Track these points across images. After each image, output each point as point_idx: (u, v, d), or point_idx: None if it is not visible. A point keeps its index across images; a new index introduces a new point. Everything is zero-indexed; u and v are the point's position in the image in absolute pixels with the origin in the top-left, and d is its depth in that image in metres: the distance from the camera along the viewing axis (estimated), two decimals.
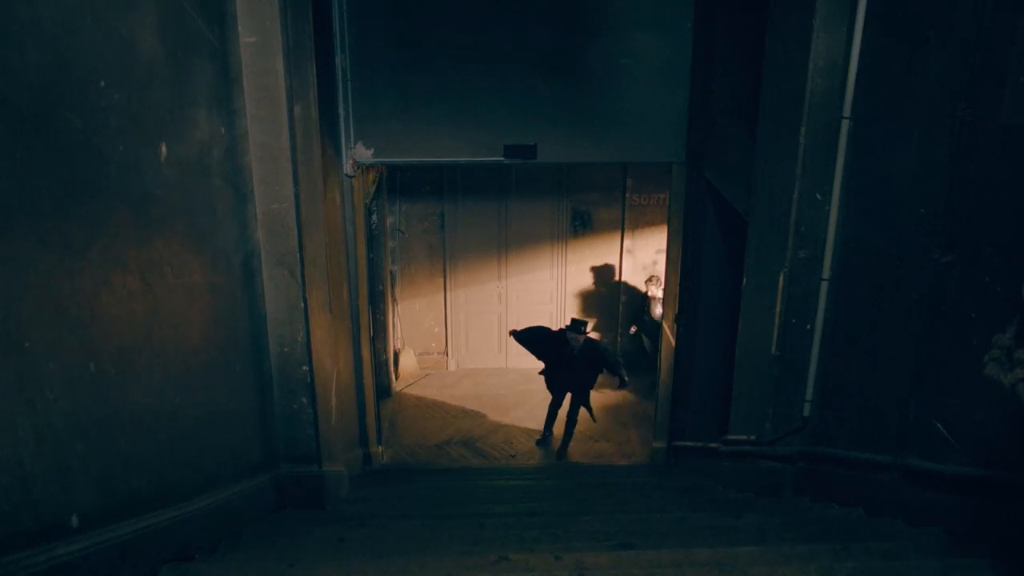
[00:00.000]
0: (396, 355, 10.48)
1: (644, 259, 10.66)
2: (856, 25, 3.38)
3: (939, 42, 2.94)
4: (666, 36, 6.23)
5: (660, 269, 10.07)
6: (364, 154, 6.26)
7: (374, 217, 9.25)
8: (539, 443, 8.57)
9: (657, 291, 9.57)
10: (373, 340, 7.60)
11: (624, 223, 10.57)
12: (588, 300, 10.91)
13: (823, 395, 3.87)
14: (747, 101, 4.77)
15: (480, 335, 10.98)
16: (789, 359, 3.91)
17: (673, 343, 7.08)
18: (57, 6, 1.97)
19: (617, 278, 10.75)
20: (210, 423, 3.03)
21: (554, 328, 8.49)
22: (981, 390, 2.72)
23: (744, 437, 4.42)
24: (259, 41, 3.39)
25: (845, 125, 3.50)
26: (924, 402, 3.09)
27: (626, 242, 10.61)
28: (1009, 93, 2.56)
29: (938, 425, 2.98)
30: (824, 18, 3.44)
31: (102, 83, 2.18)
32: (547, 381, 8.50)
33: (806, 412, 3.94)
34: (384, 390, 9.62)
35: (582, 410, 8.38)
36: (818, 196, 3.63)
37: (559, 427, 8.56)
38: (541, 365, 8.40)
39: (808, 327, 3.81)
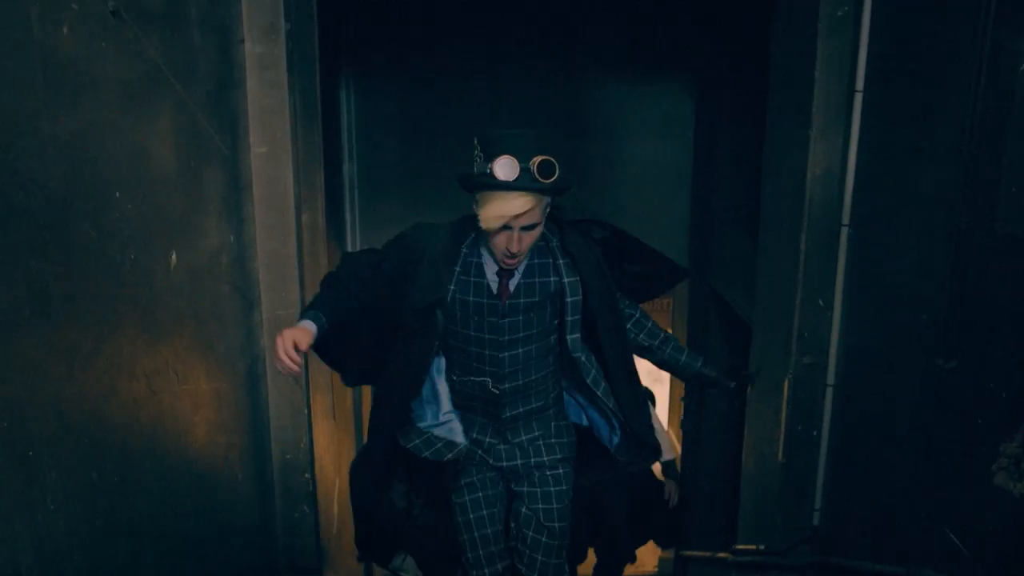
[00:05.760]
0: None
1: (648, 364, 10.63)
2: (852, 135, 3.46)
3: (931, 152, 3.01)
4: (668, 144, 6.38)
5: (665, 372, 10.01)
6: None
7: None
8: None
9: None
10: None
11: None
12: None
13: (833, 503, 3.80)
14: (748, 207, 4.85)
15: None
16: (796, 466, 3.86)
17: (679, 449, 7.00)
18: (79, 119, 2.04)
19: None
20: (210, 532, 2.98)
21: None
22: (992, 500, 2.68)
23: (753, 547, 4.32)
24: (270, 151, 3.47)
25: (844, 232, 3.55)
26: (936, 511, 3.03)
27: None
28: (1002, 202, 2.60)
29: (951, 535, 2.92)
30: (820, 129, 3.52)
31: (117, 194, 2.24)
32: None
33: (816, 521, 3.87)
34: None
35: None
36: (820, 302, 3.65)
37: None
38: None
39: (815, 434, 3.78)
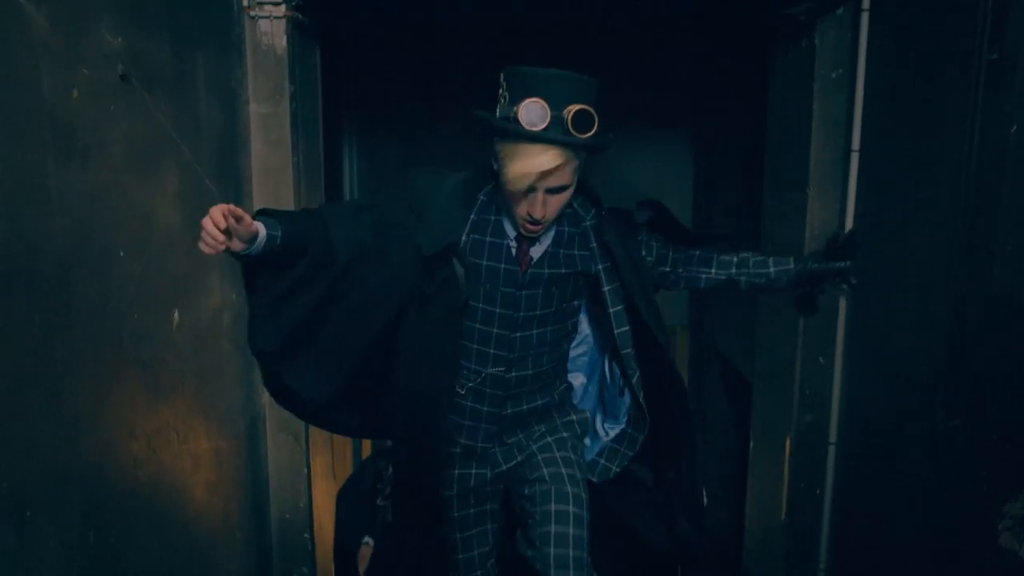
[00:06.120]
0: None
1: None
2: (849, 194, 3.49)
3: (928, 211, 3.03)
4: (666, 202, 6.39)
5: None
6: None
7: None
8: None
9: None
10: None
11: None
12: None
13: (837, 562, 3.75)
14: None
15: None
16: (799, 524, 3.82)
17: None
18: (86, 181, 2.06)
19: None
20: None
21: None
22: (998, 560, 2.64)
23: None
24: None
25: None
26: (941, 571, 2.99)
27: None
28: (999, 259, 2.61)
29: None
30: (818, 187, 3.56)
31: (121, 253, 2.26)
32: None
33: None
34: None
35: None
36: (821, 359, 3.64)
37: None
38: None
39: (817, 492, 3.74)
